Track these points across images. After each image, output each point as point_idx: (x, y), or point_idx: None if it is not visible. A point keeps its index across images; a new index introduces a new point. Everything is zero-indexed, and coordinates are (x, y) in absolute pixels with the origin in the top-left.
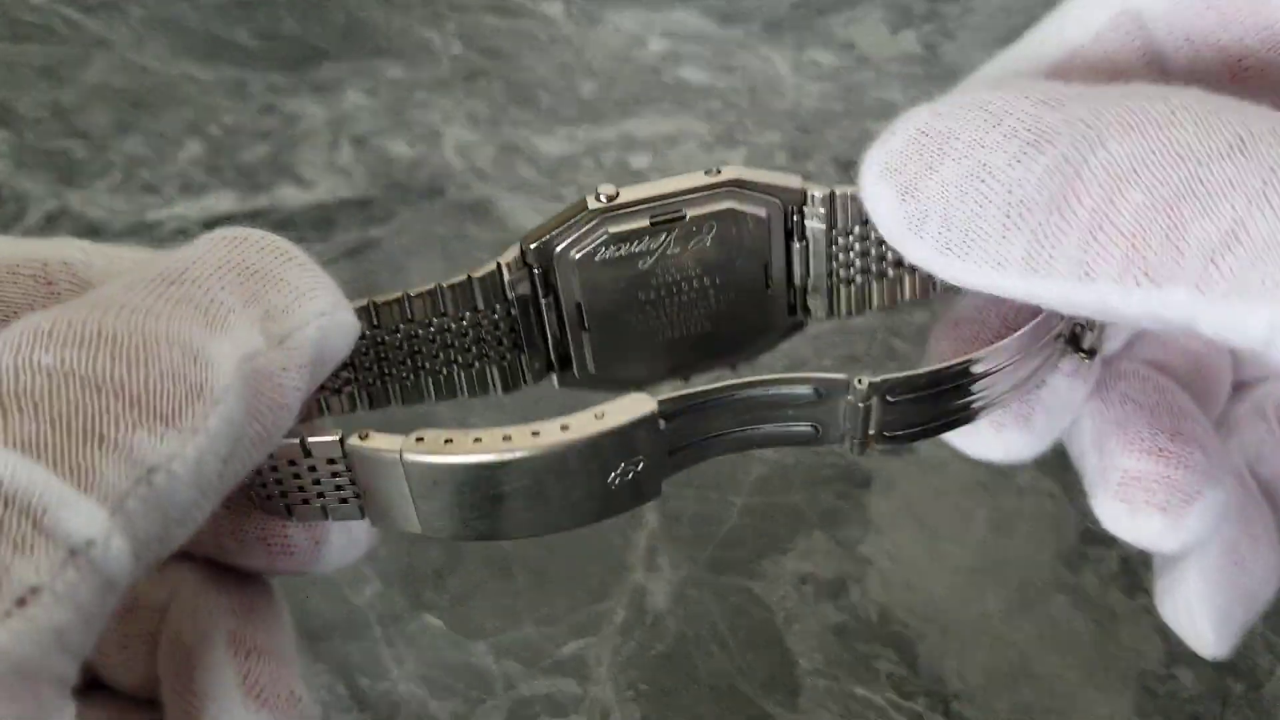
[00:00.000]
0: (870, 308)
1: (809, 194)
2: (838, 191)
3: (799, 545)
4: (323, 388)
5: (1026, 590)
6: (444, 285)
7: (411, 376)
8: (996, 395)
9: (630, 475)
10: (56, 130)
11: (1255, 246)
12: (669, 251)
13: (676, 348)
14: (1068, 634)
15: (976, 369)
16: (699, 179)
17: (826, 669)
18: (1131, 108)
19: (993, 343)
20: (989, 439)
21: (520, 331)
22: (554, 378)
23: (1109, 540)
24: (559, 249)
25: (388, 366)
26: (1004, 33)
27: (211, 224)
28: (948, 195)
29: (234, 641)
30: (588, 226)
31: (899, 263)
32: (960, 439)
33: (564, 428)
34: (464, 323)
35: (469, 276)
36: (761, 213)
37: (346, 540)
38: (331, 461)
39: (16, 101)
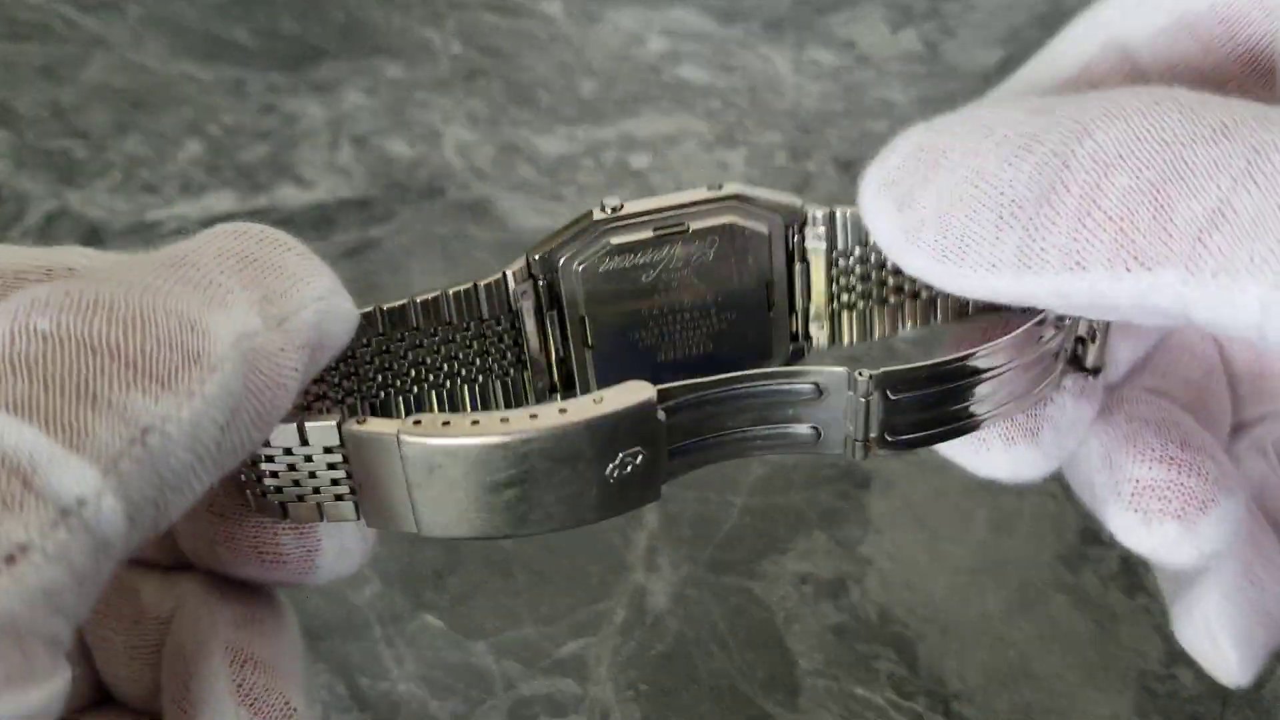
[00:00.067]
0: (872, 336)
1: (809, 214)
2: (838, 211)
3: (799, 545)
4: (326, 397)
5: (1026, 590)
6: (449, 292)
7: (415, 389)
8: (998, 404)
9: (629, 469)
10: (56, 130)
11: (1242, 224)
12: (671, 264)
13: (679, 370)
14: (1068, 634)
15: (976, 363)
16: (701, 193)
17: (826, 669)
18: (1116, 100)
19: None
20: (998, 455)
21: (524, 346)
22: (557, 399)
23: (1109, 540)
24: (563, 259)
25: (391, 377)
26: (1005, 31)
27: (211, 224)
28: (943, 203)
29: (230, 651)
30: (591, 236)
31: (899, 288)
32: (970, 456)
33: (562, 410)
34: (469, 333)
35: (475, 284)
36: (763, 229)
37: (339, 549)
38: (328, 450)
39: (16, 101)
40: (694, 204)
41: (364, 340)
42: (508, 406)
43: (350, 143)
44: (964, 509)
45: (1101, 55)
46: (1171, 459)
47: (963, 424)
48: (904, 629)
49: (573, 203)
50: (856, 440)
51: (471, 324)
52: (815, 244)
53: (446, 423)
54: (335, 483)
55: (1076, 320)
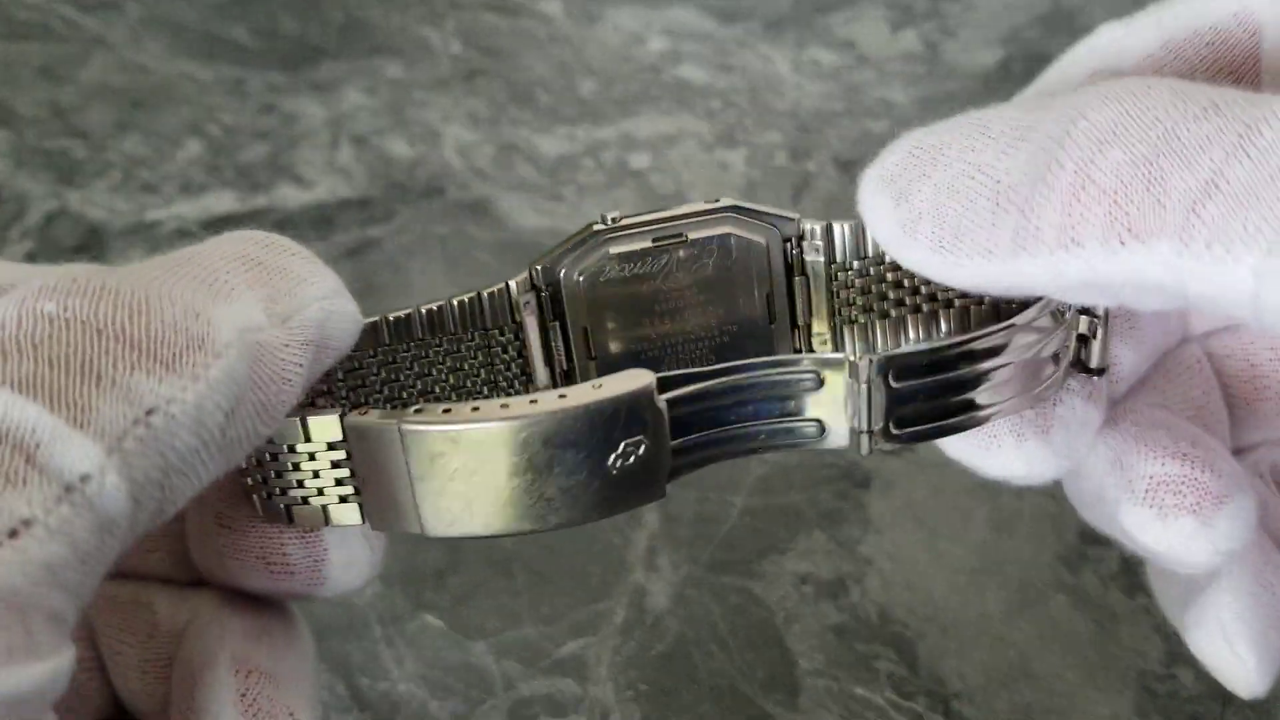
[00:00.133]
0: (875, 351)
1: (807, 227)
2: (835, 225)
3: (799, 545)
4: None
5: (1026, 590)
6: (454, 301)
7: (419, 402)
8: (1004, 397)
9: (631, 459)
10: (55, 130)
11: (1235, 193)
12: (671, 275)
13: None
14: (1068, 634)
15: (978, 346)
16: (699, 205)
17: (826, 669)
18: (1109, 85)
19: None
20: (1010, 452)
21: (529, 357)
22: None
23: (1109, 540)
24: (565, 270)
25: (397, 389)
26: (1006, 31)
27: (211, 224)
28: (939, 196)
29: (235, 660)
30: (591, 246)
31: (901, 302)
32: (981, 456)
33: (562, 396)
34: (473, 344)
35: (479, 293)
36: (760, 239)
37: (346, 559)
38: (331, 446)
39: (15, 101)
40: (692, 215)
41: (370, 351)
42: None
43: (350, 143)
44: (964, 509)
45: (1092, 82)
46: (1185, 455)
47: (969, 416)
48: (904, 629)
49: (573, 202)
50: (861, 432)
51: (476, 335)
52: (814, 257)
53: (447, 410)
54: (339, 482)
55: (1077, 316)
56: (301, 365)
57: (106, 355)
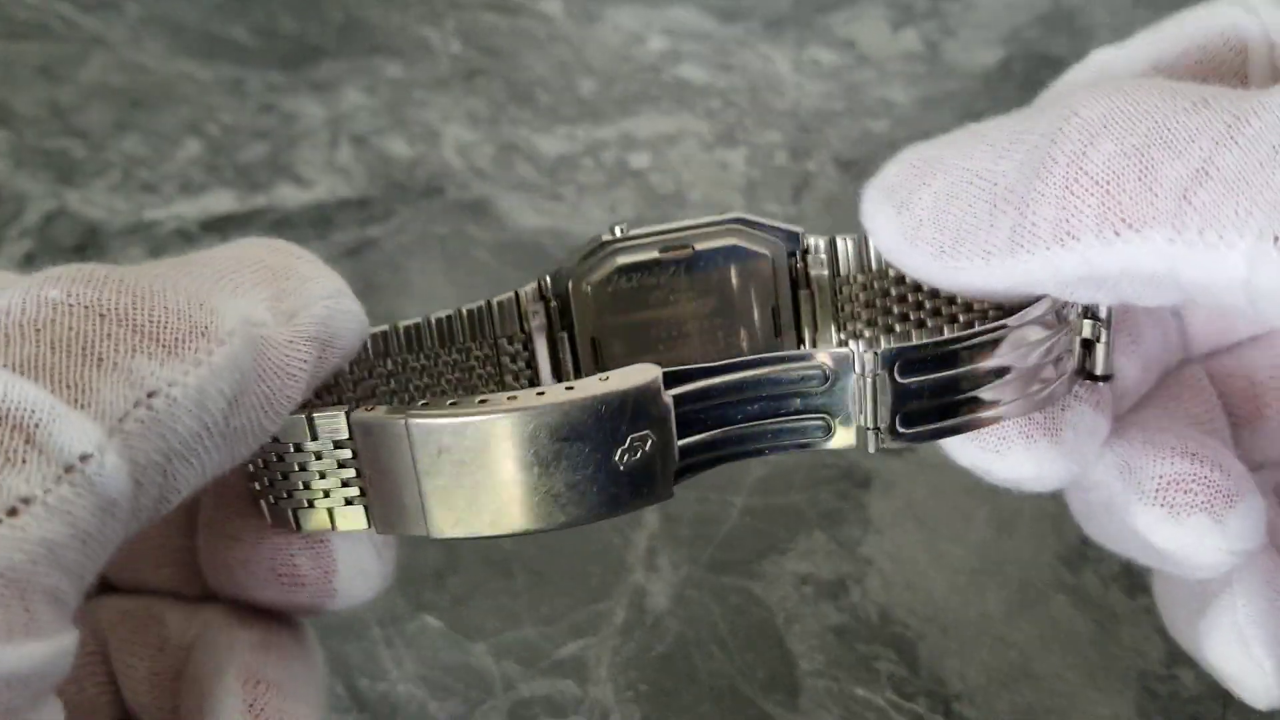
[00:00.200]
0: None
1: (811, 241)
2: (839, 240)
3: (799, 545)
4: None
5: (1027, 590)
6: (463, 311)
7: None
8: (1009, 398)
9: (639, 454)
10: (54, 129)
11: (1226, 179)
12: (678, 286)
13: None
14: (1068, 634)
15: (982, 340)
16: (705, 217)
17: (827, 669)
18: (1100, 84)
19: None
20: (1020, 454)
21: (537, 369)
22: None
23: None
24: (573, 281)
25: (406, 400)
26: (1006, 31)
27: (210, 224)
28: (939, 202)
29: (244, 672)
30: (600, 256)
31: (905, 316)
32: (991, 459)
33: (569, 388)
34: (482, 354)
35: (488, 302)
36: (765, 251)
37: (356, 570)
38: (338, 445)
39: (14, 100)
40: (698, 226)
41: (380, 362)
42: None
43: (349, 142)
44: (964, 509)
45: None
46: (1194, 454)
47: (976, 416)
48: (904, 629)
49: (572, 202)
50: (869, 429)
51: (485, 345)
52: (818, 271)
53: (454, 403)
54: (345, 484)
55: (1080, 321)
56: (306, 362)
57: (108, 339)
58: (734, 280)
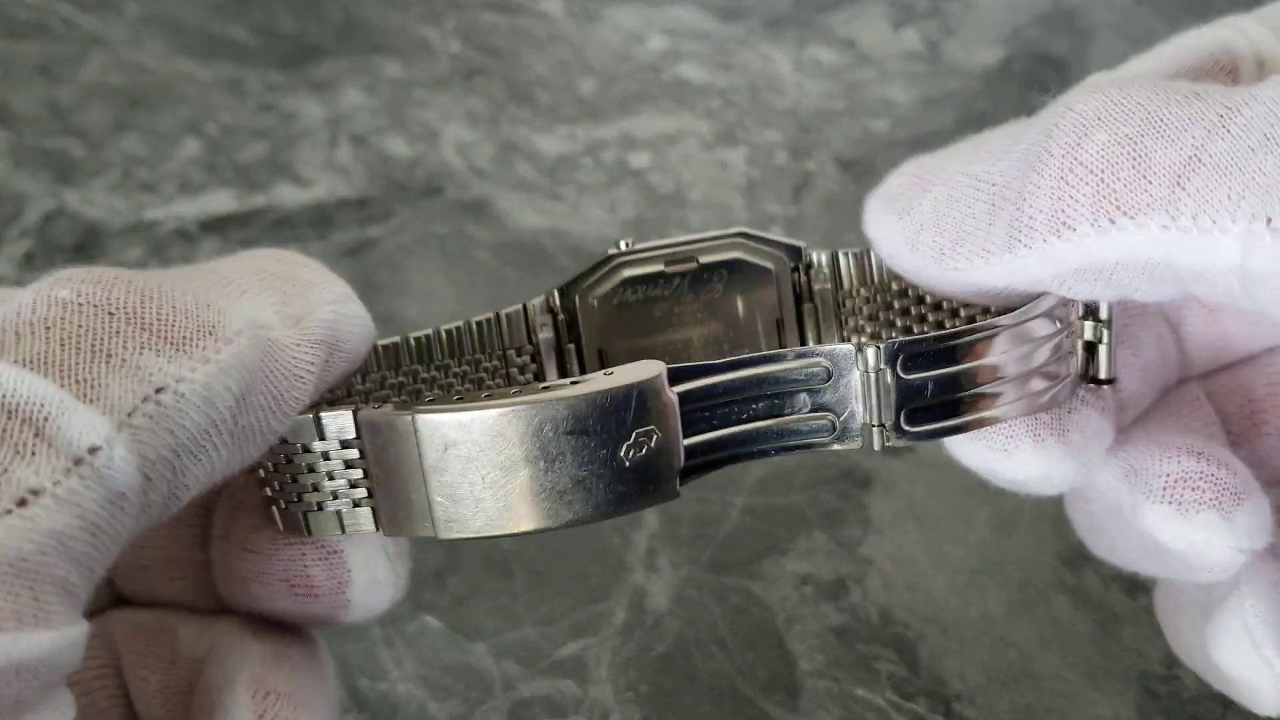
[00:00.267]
0: None
1: (813, 256)
2: (840, 254)
3: (799, 545)
4: None
5: (1027, 590)
6: (472, 322)
7: None
8: (1013, 397)
9: (644, 450)
10: (54, 129)
11: (1218, 165)
12: (683, 298)
13: None
14: (1069, 634)
15: (984, 334)
16: (710, 231)
17: (827, 670)
18: (1094, 82)
19: None
20: (1027, 453)
21: (545, 380)
22: None
23: None
24: (580, 293)
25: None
26: (1006, 31)
27: (210, 223)
28: (939, 206)
29: (255, 683)
30: (606, 270)
31: (909, 329)
32: (998, 459)
33: (574, 383)
34: (490, 365)
35: (497, 314)
36: (768, 265)
37: (369, 580)
38: (345, 445)
39: (13, 100)
40: (703, 240)
41: (391, 373)
42: None
43: (349, 142)
44: (964, 509)
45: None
46: (1200, 453)
47: (980, 415)
48: (905, 629)
49: (572, 202)
50: (874, 426)
51: (494, 357)
52: (821, 285)
53: (460, 398)
54: (353, 485)
55: (1081, 323)
56: (314, 365)
57: (117, 336)
58: (737, 293)
